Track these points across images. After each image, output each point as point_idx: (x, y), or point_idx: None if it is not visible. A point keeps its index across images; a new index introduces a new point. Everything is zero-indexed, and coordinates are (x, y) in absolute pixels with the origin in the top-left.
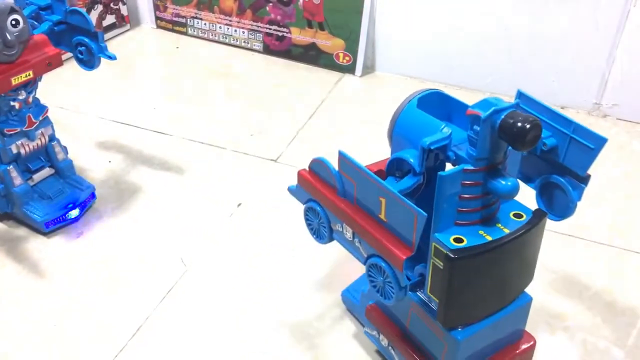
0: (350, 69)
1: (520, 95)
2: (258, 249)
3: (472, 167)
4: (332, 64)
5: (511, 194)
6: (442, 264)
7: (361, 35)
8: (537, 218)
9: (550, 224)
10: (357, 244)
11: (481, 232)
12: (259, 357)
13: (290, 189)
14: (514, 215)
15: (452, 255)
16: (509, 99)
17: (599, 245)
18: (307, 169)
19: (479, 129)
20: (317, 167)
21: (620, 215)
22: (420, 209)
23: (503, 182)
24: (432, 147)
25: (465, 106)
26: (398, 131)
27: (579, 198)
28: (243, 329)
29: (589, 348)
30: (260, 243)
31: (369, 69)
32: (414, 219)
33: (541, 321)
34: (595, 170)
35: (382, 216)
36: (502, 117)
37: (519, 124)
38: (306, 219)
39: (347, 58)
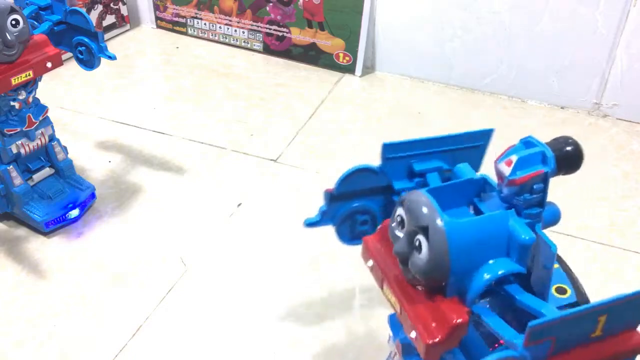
0: (350, 69)
1: (386, 146)
2: (258, 249)
3: (541, 224)
4: (332, 64)
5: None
6: None
7: (361, 35)
8: None
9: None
10: None
11: None
12: (259, 357)
13: None
14: None
15: None
16: (509, 99)
17: (599, 245)
18: None
19: (542, 185)
20: None
21: (620, 215)
22: None
23: (557, 207)
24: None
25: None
26: (459, 262)
27: None
28: (243, 329)
29: None
30: (260, 243)
31: (369, 69)
32: None
33: None
34: (595, 169)
35: (595, 334)
36: (553, 155)
37: (572, 148)
38: None
39: (347, 58)
